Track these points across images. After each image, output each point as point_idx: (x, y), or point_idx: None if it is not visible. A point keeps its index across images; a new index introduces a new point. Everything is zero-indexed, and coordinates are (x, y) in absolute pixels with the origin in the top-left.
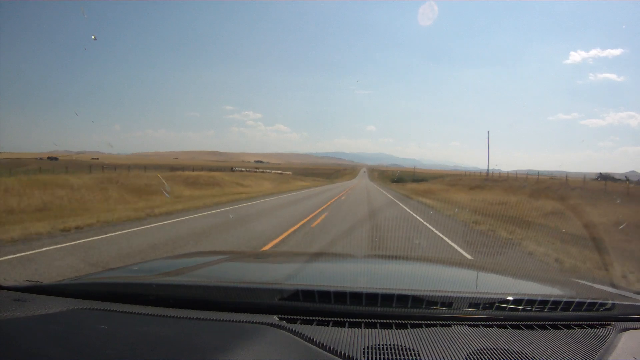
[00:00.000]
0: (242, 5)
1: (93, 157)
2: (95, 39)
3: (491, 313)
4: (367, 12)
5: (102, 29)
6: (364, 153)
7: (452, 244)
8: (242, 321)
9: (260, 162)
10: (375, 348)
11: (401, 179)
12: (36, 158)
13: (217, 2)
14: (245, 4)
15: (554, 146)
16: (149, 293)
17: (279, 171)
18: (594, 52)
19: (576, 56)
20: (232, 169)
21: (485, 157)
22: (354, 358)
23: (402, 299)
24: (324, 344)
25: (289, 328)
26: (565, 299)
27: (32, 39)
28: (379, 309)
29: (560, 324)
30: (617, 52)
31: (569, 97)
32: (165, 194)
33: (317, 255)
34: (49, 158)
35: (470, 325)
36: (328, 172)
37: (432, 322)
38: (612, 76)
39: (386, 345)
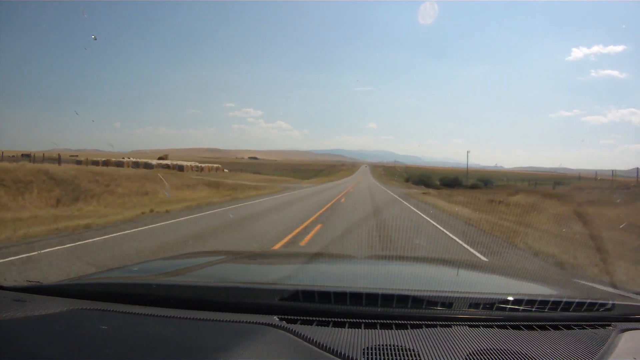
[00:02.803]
0: (242, 4)
1: (72, 154)
2: (96, 39)
3: (491, 313)
4: (367, 10)
5: (102, 29)
6: (365, 150)
7: None
8: (242, 321)
9: (255, 158)
10: (375, 348)
11: (426, 179)
12: (10, 155)
13: (218, 1)
14: (245, 2)
15: (555, 143)
16: (149, 293)
17: (192, 163)
18: (595, 48)
19: (578, 53)
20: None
21: (489, 155)
22: (354, 358)
23: (402, 300)
24: (324, 345)
25: (289, 328)
26: (565, 300)
27: (32, 39)
28: (379, 310)
29: (560, 325)
30: (619, 48)
31: (570, 94)
32: (166, 193)
33: (317, 256)
34: (22, 155)
35: (470, 326)
36: (320, 168)
37: (432, 323)
38: (614, 73)
39: (386, 345)
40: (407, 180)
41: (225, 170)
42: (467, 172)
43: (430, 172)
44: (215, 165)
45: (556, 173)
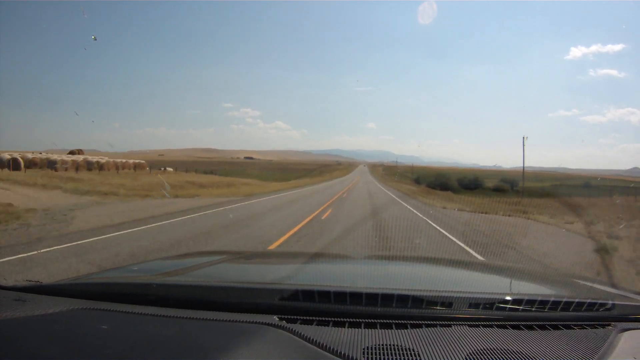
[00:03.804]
0: (242, 4)
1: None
2: (96, 39)
3: (491, 313)
4: (367, 10)
5: (102, 29)
6: (364, 150)
7: None
8: (242, 321)
9: (251, 158)
10: (375, 348)
11: (446, 181)
12: None
13: (217, 1)
14: (245, 2)
15: (555, 143)
16: (149, 293)
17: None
18: (594, 47)
19: (577, 52)
20: None
21: (489, 155)
22: (354, 358)
23: (402, 299)
24: (324, 344)
25: (289, 328)
26: (565, 299)
27: (32, 39)
28: (379, 309)
29: (560, 324)
30: (617, 47)
31: (569, 94)
32: (166, 193)
33: (317, 256)
34: None
35: (470, 326)
36: (313, 167)
37: (432, 322)
38: (613, 72)
39: (386, 345)
40: (416, 181)
41: (169, 169)
42: (524, 173)
43: (443, 173)
44: (133, 161)
45: (558, 173)
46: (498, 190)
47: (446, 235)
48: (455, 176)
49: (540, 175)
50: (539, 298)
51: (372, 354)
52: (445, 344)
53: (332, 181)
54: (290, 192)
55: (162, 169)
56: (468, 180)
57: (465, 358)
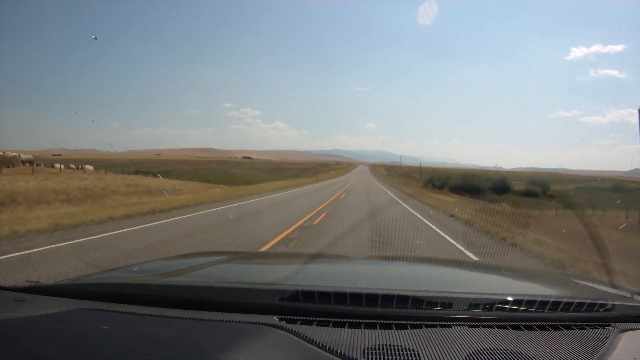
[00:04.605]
0: (242, 4)
1: (54, 153)
2: (96, 39)
3: (491, 314)
4: (367, 9)
5: (102, 29)
6: (363, 150)
7: None
8: (242, 321)
9: (249, 158)
10: (375, 348)
11: (476, 182)
12: None
13: (217, 1)
14: (245, 2)
15: (554, 144)
16: (148, 293)
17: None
18: (595, 48)
19: (577, 52)
20: None
21: (489, 155)
22: (354, 358)
23: (402, 300)
24: (324, 345)
25: (289, 328)
26: (565, 300)
27: (32, 39)
28: (379, 310)
29: (560, 325)
30: (618, 48)
31: (569, 94)
32: (165, 193)
33: (317, 256)
34: None
35: (470, 326)
36: (308, 167)
37: (432, 323)
38: (614, 72)
39: (386, 345)
40: (431, 184)
41: (89, 166)
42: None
43: (470, 174)
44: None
45: (558, 174)
46: (528, 195)
47: None
48: (481, 178)
49: (553, 177)
50: (539, 298)
51: (372, 355)
52: (445, 344)
53: (323, 182)
54: (204, 212)
55: (80, 167)
56: (493, 182)
57: (465, 358)
